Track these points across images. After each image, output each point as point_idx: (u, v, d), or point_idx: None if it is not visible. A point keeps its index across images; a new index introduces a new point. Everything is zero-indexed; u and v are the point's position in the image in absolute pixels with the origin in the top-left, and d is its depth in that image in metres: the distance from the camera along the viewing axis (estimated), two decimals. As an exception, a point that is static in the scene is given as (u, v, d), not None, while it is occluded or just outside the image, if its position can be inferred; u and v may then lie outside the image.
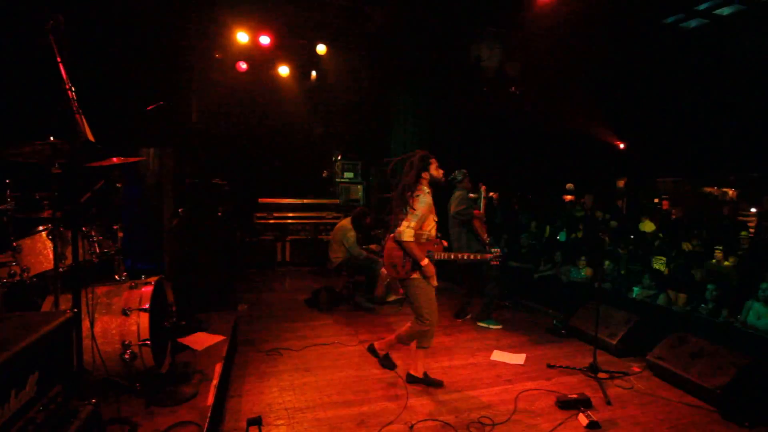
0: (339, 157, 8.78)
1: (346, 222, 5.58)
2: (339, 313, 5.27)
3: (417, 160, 3.18)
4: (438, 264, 3.27)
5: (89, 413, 1.55)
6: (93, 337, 2.34)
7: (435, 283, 3.26)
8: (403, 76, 8.31)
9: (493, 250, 3.42)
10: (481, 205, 5.03)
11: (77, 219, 2.23)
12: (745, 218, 10.82)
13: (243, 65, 7.31)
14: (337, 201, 8.38)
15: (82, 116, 1.94)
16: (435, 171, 3.21)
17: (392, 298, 5.66)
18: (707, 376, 3.22)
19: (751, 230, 8.58)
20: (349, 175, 8.60)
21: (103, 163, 2.91)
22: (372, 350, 3.49)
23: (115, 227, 3.13)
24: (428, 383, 3.38)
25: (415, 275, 3.19)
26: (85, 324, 2.38)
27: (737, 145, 9.49)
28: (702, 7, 7.58)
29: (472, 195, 5.00)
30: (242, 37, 6.85)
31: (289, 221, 7.96)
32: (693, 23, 8.18)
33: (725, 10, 7.71)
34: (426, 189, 3.17)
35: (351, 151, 9.36)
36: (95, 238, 2.77)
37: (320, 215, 8.12)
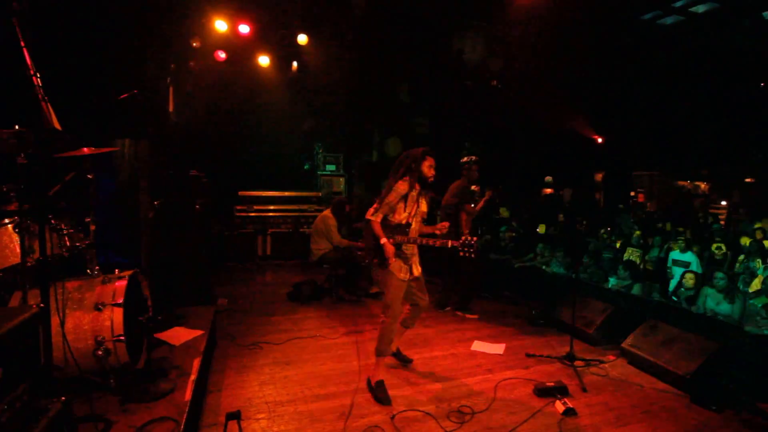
0: (321, 150, 8.70)
1: (327, 212, 5.55)
2: (321, 306, 5.25)
3: (413, 154, 3.20)
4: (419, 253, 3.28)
5: (59, 411, 1.50)
6: (63, 333, 2.27)
7: (401, 275, 3.11)
8: (385, 67, 8.26)
9: (464, 238, 3.03)
10: (479, 203, 4.92)
11: (45, 211, 2.14)
12: (716, 211, 11.22)
13: (222, 54, 7.14)
14: (319, 193, 8.31)
15: (48, 104, 1.86)
16: (426, 169, 3.18)
17: (375, 290, 5.66)
18: (678, 363, 3.33)
19: (722, 222, 8.89)
20: (331, 167, 8.54)
21: (73, 154, 2.80)
22: (368, 385, 3.22)
23: (87, 220, 3.03)
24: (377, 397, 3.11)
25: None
26: (56, 320, 2.31)
27: (710, 139, 9.78)
28: (678, 4, 7.75)
29: (474, 187, 4.93)
30: (221, 25, 6.69)
31: (270, 214, 7.87)
32: (669, 20, 8.36)
33: (700, 8, 7.89)
34: (410, 182, 3.14)
35: (333, 143, 9.30)
36: (65, 232, 2.67)
37: (302, 208, 8.04)
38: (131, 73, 5.32)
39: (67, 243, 2.66)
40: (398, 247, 3.12)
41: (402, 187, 3.12)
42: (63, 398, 1.57)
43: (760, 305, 4.20)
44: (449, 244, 3.07)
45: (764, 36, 7.90)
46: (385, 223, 3.16)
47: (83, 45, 4.34)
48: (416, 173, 3.15)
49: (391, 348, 3.38)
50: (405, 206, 3.14)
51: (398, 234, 3.12)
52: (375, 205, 3.17)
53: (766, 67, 8.36)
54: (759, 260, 5.15)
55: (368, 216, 3.15)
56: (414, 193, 3.16)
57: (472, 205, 4.84)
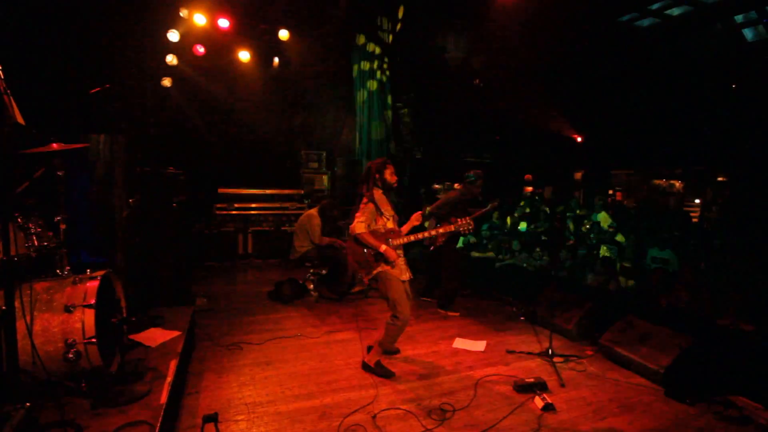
0: (303, 146, 8.61)
1: (313, 211, 5.50)
2: (302, 305, 5.20)
3: (375, 165, 3.41)
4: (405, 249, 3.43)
5: (22, 417, 1.43)
6: (30, 336, 2.18)
7: (404, 276, 3.33)
8: (367, 64, 8.22)
9: (460, 220, 3.41)
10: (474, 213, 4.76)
11: (9, 210, 2.05)
12: (689, 208, 11.55)
13: (200, 49, 6.99)
14: (302, 191, 8.23)
15: (11, 97, 1.77)
16: (389, 176, 3.41)
17: (357, 289, 5.64)
18: (653, 357, 3.41)
19: (695, 219, 9.16)
20: (313, 164, 8.46)
21: (41, 150, 2.70)
22: (366, 367, 3.44)
23: (57, 219, 2.92)
24: (380, 374, 3.37)
25: (381, 268, 3.29)
26: (24, 322, 2.22)
27: (684, 139, 10.05)
28: (654, 6, 7.93)
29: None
30: (199, 19, 6.55)
31: (252, 212, 7.75)
32: (646, 22, 8.54)
33: (675, 11, 8.09)
34: (378, 191, 3.37)
35: (316, 140, 9.21)
36: (33, 231, 2.57)
37: (284, 206, 7.95)
38: (106, 67, 5.16)
39: (35, 243, 2.56)
40: (396, 249, 3.29)
41: (376, 195, 3.34)
42: (27, 404, 1.51)
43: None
44: (452, 228, 3.41)
45: (735, 39, 8.16)
46: (372, 232, 3.30)
47: (52, 37, 4.19)
48: (381, 182, 3.37)
49: (394, 346, 3.59)
50: (382, 214, 3.34)
51: (392, 238, 3.31)
52: (357, 219, 3.26)
53: (737, 69, 8.63)
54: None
55: (355, 231, 3.23)
56: (385, 201, 3.39)
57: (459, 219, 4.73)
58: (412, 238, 3.38)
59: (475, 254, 6.83)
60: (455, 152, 10.10)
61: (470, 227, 3.39)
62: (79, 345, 2.41)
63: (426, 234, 3.47)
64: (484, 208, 5.04)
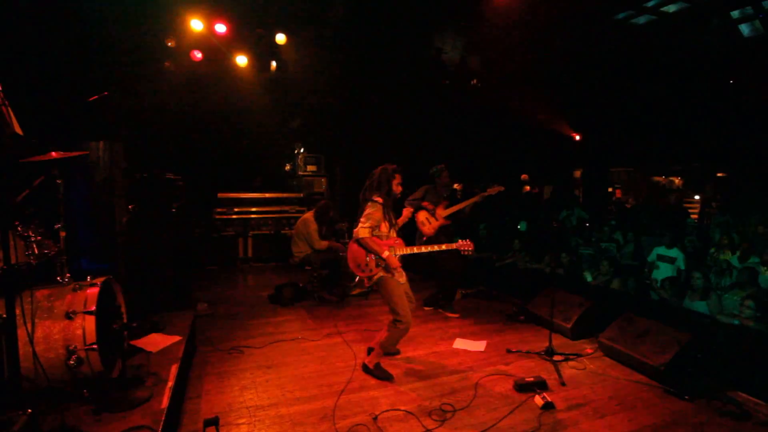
0: (301, 150, 8.63)
1: (308, 215, 5.51)
2: (303, 308, 5.22)
3: (383, 172, 3.38)
4: (403, 258, 3.42)
5: (24, 423, 1.45)
6: (32, 343, 2.20)
7: (402, 279, 3.38)
8: (365, 66, 8.24)
9: (460, 241, 3.46)
10: (458, 206, 4.89)
11: (9, 218, 2.07)
12: (689, 205, 11.56)
13: (198, 54, 7.01)
14: (301, 195, 8.26)
15: (9, 108, 1.79)
16: (395, 186, 3.39)
17: (357, 291, 5.65)
18: (652, 354, 3.42)
19: (694, 216, 9.16)
20: (312, 168, 8.48)
21: (40, 158, 2.72)
22: (366, 369, 3.45)
23: (57, 226, 2.94)
24: (379, 376, 3.38)
25: (381, 273, 3.31)
26: (25, 330, 2.24)
27: (682, 136, 10.05)
28: (650, 3, 7.93)
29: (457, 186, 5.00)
30: (196, 24, 6.58)
31: (251, 216, 7.78)
32: (642, 19, 8.55)
33: (671, 7, 8.09)
34: (384, 198, 3.34)
35: (314, 143, 9.23)
36: (33, 239, 2.59)
37: (283, 209, 7.98)
38: (103, 74, 5.19)
39: (35, 250, 2.58)
40: (395, 255, 3.31)
41: (383, 202, 3.31)
42: (29, 411, 1.52)
43: (736, 298, 4.28)
44: (454, 246, 3.45)
45: (732, 35, 8.17)
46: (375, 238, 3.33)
47: (49, 47, 4.21)
48: (387, 190, 3.33)
49: (395, 347, 3.68)
50: (388, 222, 3.35)
51: (395, 247, 3.34)
52: (361, 224, 3.26)
53: (733, 64, 8.63)
54: (729, 252, 5.31)
55: (359, 235, 3.24)
56: (389, 209, 3.38)
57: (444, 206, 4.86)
58: (415, 249, 3.41)
59: (474, 254, 6.83)
60: (456, 154, 10.11)
61: (470, 248, 3.45)
62: (80, 351, 2.43)
63: (429, 248, 3.47)
64: (465, 200, 5.01)
